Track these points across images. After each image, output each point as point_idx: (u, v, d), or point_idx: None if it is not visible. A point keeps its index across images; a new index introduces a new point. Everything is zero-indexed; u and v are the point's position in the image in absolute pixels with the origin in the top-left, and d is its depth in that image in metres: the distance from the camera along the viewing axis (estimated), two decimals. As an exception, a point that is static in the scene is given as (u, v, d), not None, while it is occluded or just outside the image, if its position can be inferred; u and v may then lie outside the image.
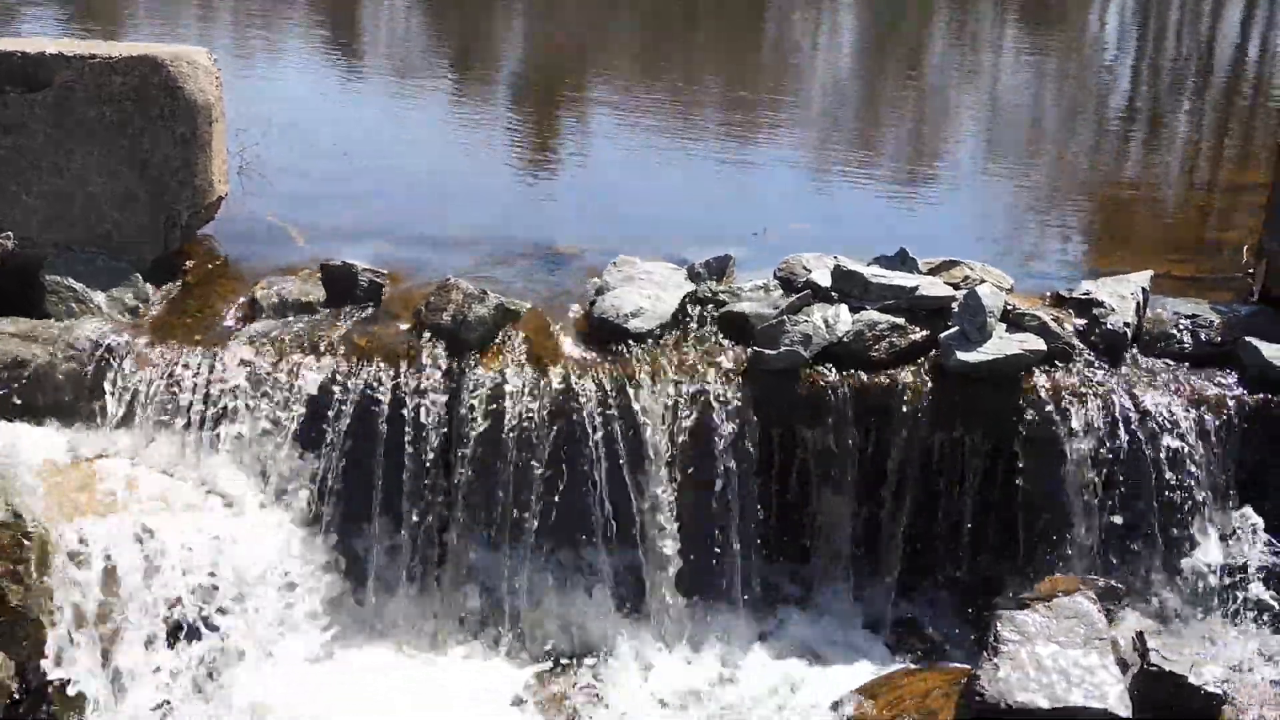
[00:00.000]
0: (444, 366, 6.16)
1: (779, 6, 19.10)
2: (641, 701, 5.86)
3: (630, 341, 6.32)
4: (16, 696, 5.25)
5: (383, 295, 6.58)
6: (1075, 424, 6.14)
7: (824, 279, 6.57)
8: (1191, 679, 5.05)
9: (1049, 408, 6.17)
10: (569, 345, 6.36)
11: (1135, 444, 6.15)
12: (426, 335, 6.27)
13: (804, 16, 18.51)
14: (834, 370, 6.23)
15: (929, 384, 6.22)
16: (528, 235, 7.69)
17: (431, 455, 6.07)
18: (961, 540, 6.36)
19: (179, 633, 5.54)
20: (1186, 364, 6.45)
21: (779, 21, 18.25)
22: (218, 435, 6.04)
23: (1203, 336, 6.53)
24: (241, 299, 6.62)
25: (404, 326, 6.38)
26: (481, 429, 6.07)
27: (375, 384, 6.10)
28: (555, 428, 6.09)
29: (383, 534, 6.13)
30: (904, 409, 6.20)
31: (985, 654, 5.13)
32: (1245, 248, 7.58)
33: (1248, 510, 6.22)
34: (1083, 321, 6.53)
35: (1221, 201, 9.86)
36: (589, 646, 6.11)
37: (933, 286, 6.53)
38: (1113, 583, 5.77)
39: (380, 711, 5.64)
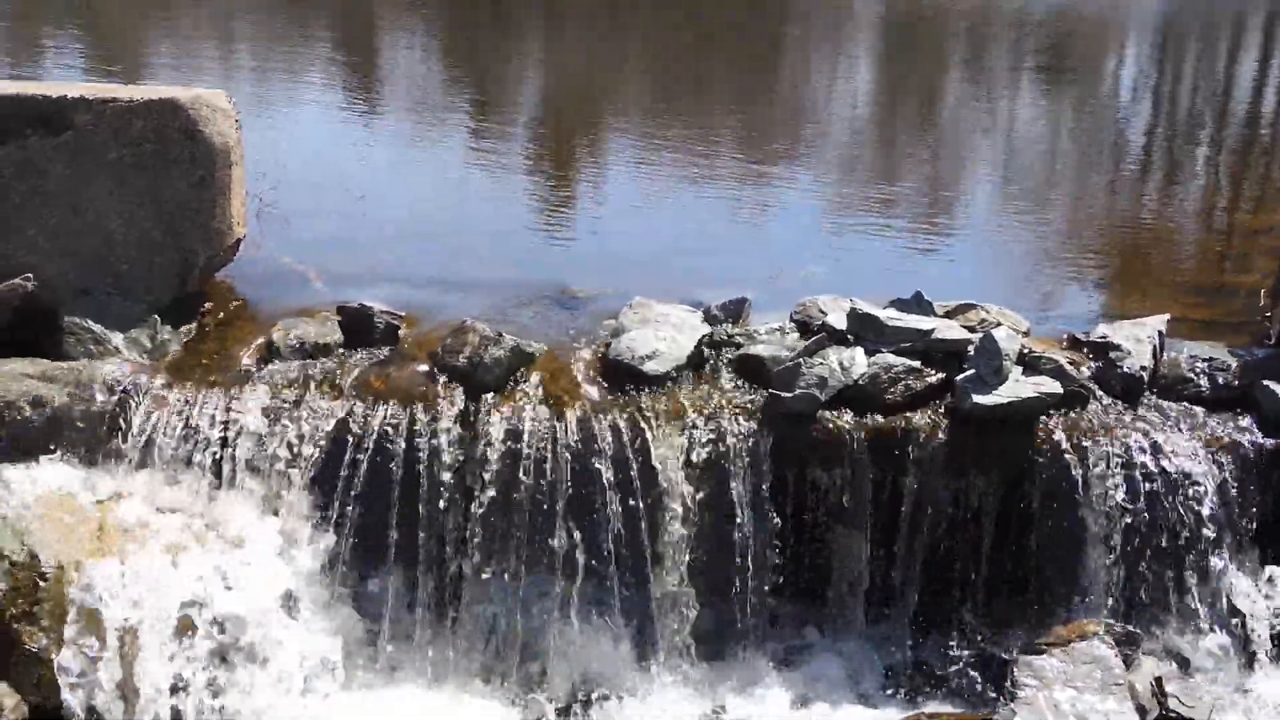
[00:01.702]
0: (460, 408, 6.17)
1: (794, 50, 19.19)
2: (655, 745, 5.85)
3: (646, 384, 6.33)
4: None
5: (399, 337, 6.60)
6: (1091, 467, 6.13)
7: (840, 322, 6.57)
8: (1210, 725, 5.03)
9: (1065, 451, 6.16)
10: (585, 387, 6.36)
11: (1152, 488, 6.13)
12: (443, 377, 6.29)
13: (819, 60, 18.59)
14: (850, 413, 6.23)
15: (944, 427, 6.22)
16: (544, 278, 7.70)
17: (447, 497, 6.08)
18: (978, 584, 6.33)
19: (193, 673, 5.53)
20: (1203, 408, 6.43)
21: (794, 64, 18.32)
22: (234, 477, 6.06)
23: (1220, 380, 6.51)
24: (259, 341, 6.63)
25: (420, 368, 6.40)
26: (497, 471, 6.07)
27: (391, 426, 6.11)
28: (570, 470, 6.09)
29: (398, 575, 6.12)
30: (919, 452, 6.19)
31: (1002, 699, 5.12)
32: (1262, 291, 7.57)
33: (1265, 554, 6.20)
34: (1099, 365, 6.52)
35: (1238, 245, 9.85)
36: (603, 687, 6.09)
37: (948, 329, 6.52)
38: (1130, 628, 5.75)
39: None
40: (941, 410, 6.28)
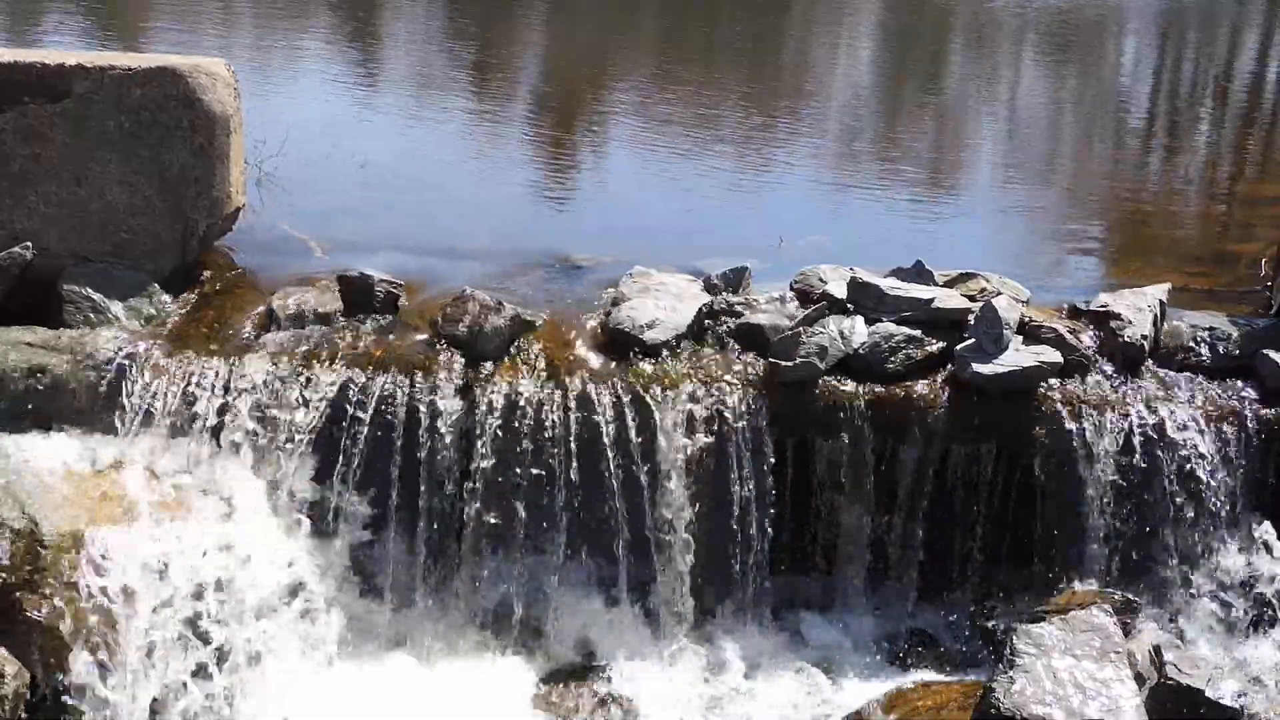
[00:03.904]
0: (460, 377, 6.17)
1: (799, 23, 19.11)
2: (656, 712, 5.85)
3: (646, 352, 6.32)
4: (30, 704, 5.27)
5: (399, 306, 6.59)
6: (1091, 436, 6.13)
7: (840, 291, 6.56)
8: (1209, 693, 5.04)
9: (1065, 420, 6.15)
10: (585, 356, 6.36)
11: (1151, 457, 6.14)
12: (443, 346, 6.29)
13: (823, 33, 18.52)
14: (850, 382, 6.23)
15: (945, 396, 6.22)
16: (544, 247, 7.69)
17: (447, 465, 6.08)
18: (977, 553, 6.34)
19: (192, 641, 5.54)
20: (1203, 377, 6.43)
21: (797, 36, 18.26)
22: (234, 444, 6.05)
23: (1220, 349, 6.51)
24: (258, 309, 6.62)
25: (420, 337, 6.39)
26: (497, 439, 6.07)
27: (391, 394, 6.10)
28: (570, 438, 6.09)
29: (398, 542, 6.13)
30: (919, 421, 6.19)
31: (1001, 667, 5.11)
32: (1263, 260, 7.56)
33: (1266, 524, 6.20)
34: (1099, 334, 6.51)
35: (1239, 214, 9.83)
36: (604, 655, 6.11)
37: (949, 299, 6.52)
38: (1129, 596, 5.76)
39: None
40: (942, 379, 6.28)
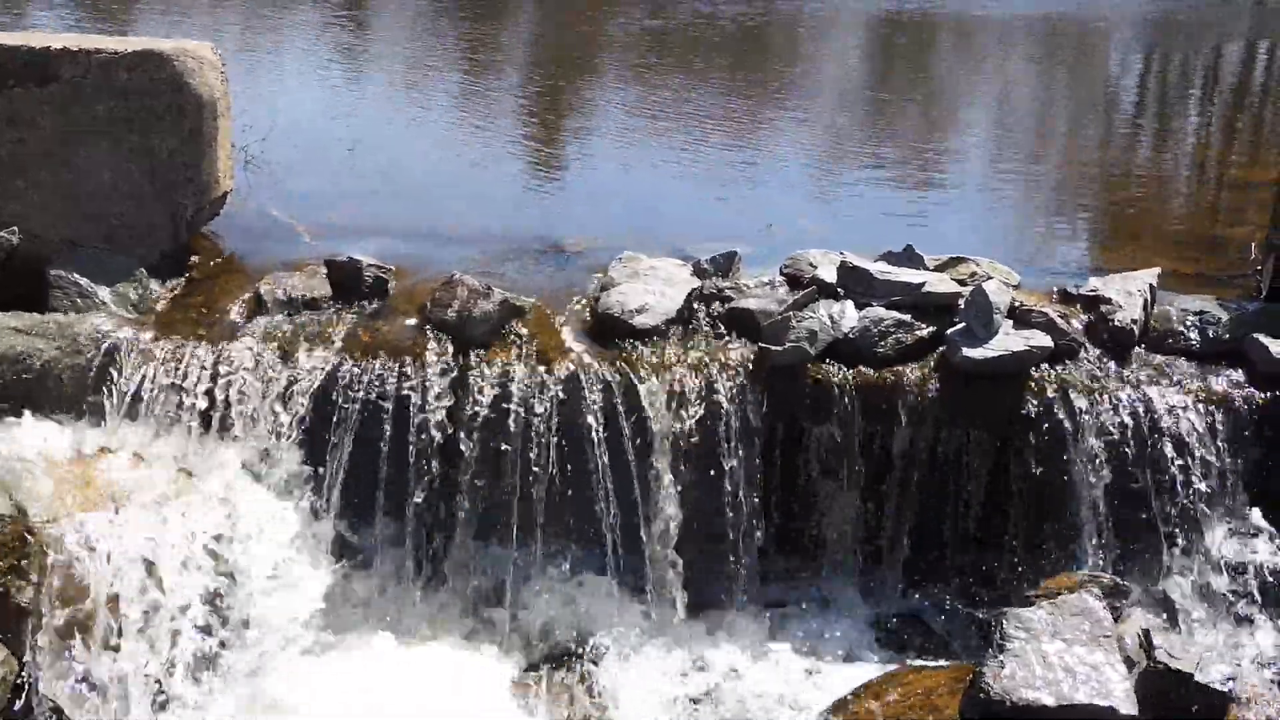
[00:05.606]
0: (449, 362, 6.16)
1: (787, 9, 19.05)
2: (645, 697, 5.85)
3: (636, 337, 6.31)
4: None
5: (388, 291, 6.57)
6: (1081, 421, 6.12)
7: (830, 275, 6.55)
8: (1198, 677, 5.03)
9: (1055, 405, 6.15)
10: (574, 341, 6.35)
11: (1142, 441, 6.14)
12: (431, 331, 6.27)
13: (812, 20, 18.47)
14: (840, 367, 6.22)
15: (935, 381, 6.21)
16: (533, 231, 7.68)
17: (436, 450, 6.07)
18: (967, 537, 6.35)
19: (180, 627, 5.53)
20: (1194, 361, 6.43)
21: (787, 23, 18.20)
22: (222, 430, 6.04)
23: (1210, 334, 6.50)
24: (246, 294, 6.61)
25: (409, 322, 6.38)
26: (486, 424, 6.06)
27: (380, 379, 6.10)
28: (559, 423, 6.09)
29: (386, 528, 6.13)
30: (909, 405, 6.18)
31: (991, 651, 5.11)
32: (1254, 245, 7.56)
33: (1255, 508, 6.21)
34: (1090, 318, 6.51)
35: (1230, 199, 9.82)
36: (592, 640, 6.10)
37: (939, 283, 6.51)
38: (1119, 580, 5.76)
39: (382, 704, 5.64)
40: (932, 364, 6.27)
